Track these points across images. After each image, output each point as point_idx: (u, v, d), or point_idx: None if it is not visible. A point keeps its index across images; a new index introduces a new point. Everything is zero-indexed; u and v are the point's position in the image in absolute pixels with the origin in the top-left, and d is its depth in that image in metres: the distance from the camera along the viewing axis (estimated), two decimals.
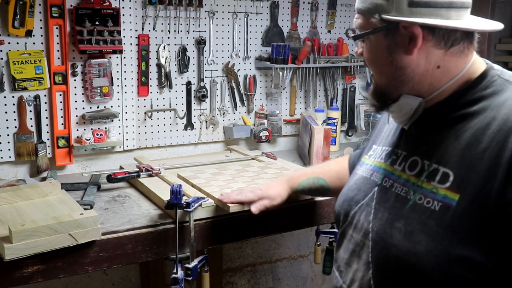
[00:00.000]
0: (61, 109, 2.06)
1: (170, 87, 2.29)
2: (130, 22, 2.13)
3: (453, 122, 1.00)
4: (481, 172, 0.90)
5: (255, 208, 1.44)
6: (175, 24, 2.25)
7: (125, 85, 2.17)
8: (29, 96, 1.99)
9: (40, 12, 1.96)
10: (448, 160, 0.96)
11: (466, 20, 1.04)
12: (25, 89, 1.96)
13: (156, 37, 2.22)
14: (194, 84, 2.35)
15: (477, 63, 1.05)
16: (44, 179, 1.96)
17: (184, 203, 1.48)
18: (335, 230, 1.86)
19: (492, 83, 1.01)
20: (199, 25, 2.31)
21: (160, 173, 1.88)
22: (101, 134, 2.12)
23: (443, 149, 0.98)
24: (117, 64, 2.13)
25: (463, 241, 0.90)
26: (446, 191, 0.93)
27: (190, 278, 1.49)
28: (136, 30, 2.17)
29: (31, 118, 2.01)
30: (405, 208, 0.99)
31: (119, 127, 2.18)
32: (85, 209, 1.52)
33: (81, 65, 2.06)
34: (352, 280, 1.10)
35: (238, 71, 2.45)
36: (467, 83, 1.02)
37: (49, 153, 2.06)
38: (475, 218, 0.89)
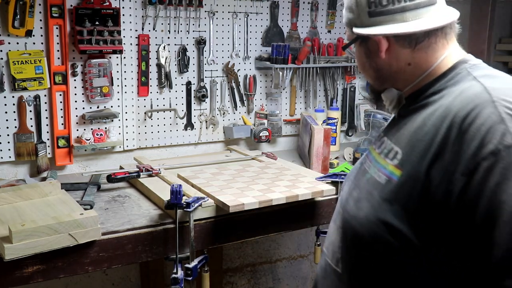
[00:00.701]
0: (61, 109, 2.06)
1: (170, 87, 2.29)
2: (130, 22, 2.13)
3: (416, 109, 1.11)
4: (419, 153, 1.00)
5: None
6: (175, 24, 2.25)
7: (125, 85, 2.17)
8: (29, 96, 1.99)
9: (40, 12, 1.96)
10: (401, 141, 1.08)
11: (423, 19, 1.11)
12: (25, 89, 1.97)
13: (156, 37, 2.22)
14: (194, 84, 2.35)
15: (452, 57, 1.13)
16: (44, 179, 1.97)
17: (184, 203, 1.49)
18: None
19: (456, 76, 1.09)
20: (199, 25, 2.31)
21: (160, 173, 1.88)
22: (101, 134, 2.12)
23: (401, 132, 1.11)
24: (117, 64, 2.13)
25: (397, 214, 1.01)
26: (393, 167, 1.06)
27: (190, 278, 1.49)
28: (136, 30, 2.17)
29: (31, 118, 2.01)
30: (363, 179, 1.15)
31: (119, 127, 2.18)
32: (85, 209, 1.52)
33: (81, 65, 2.06)
34: (327, 245, 1.25)
35: (238, 71, 2.45)
36: (438, 75, 1.12)
37: (49, 153, 2.06)
38: (408, 195, 1.00)
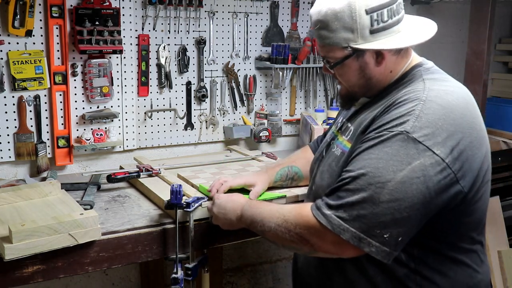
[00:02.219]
0: (61, 109, 2.06)
1: (170, 87, 2.29)
2: (130, 22, 2.13)
3: (377, 102, 1.28)
4: (363, 128, 1.23)
5: (253, 196, 1.60)
6: (175, 24, 2.25)
7: (125, 85, 2.17)
8: (29, 96, 1.99)
9: (40, 12, 1.96)
10: (355, 121, 1.30)
11: (412, 28, 1.27)
12: (25, 89, 1.97)
13: (156, 37, 2.22)
14: (194, 84, 2.35)
15: (413, 61, 1.30)
16: (44, 179, 1.97)
17: (184, 203, 1.49)
18: None
19: (412, 77, 1.25)
20: (199, 25, 2.31)
21: (160, 173, 1.88)
22: (101, 134, 2.12)
23: (361, 117, 1.29)
24: (117, 64, 2.13)
25: None
26: (346, 141, 1.29)
27: (190, 278, 1.50)
28: (136, 30, 2.17)
29: (31, 118, 2.01)
30: (327, 155, 1.36)
31: (119, 127, 2.18)
32: (85, 209, 1.52)
33: (81, 65, 2.06)
34: None
35: (238, 71, 2.45)
36: (398, 75, 1.29)
37: (49, 153, 2.06)
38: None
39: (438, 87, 1.18)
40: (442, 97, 1.15)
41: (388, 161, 1.09)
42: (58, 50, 2.01)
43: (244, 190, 1.61)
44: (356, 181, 1.11)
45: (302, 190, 1.69)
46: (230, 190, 1.59)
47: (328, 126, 2.34)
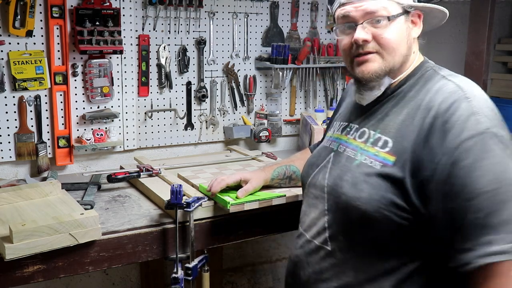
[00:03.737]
0: (62, 109, 2.06)
1: (170, 87, 2.29)
2: (131, 23, 2.13)
3: (396, 102, 1.24)
4: (410, 141, 1.14)
5: (241, 194, 1.58)
6: (175, 24, 2.26)
7: (126, 85, 2.17)
8: (30, 96, 1.99)
9: (40, 13, 1.96)
10: (389, 131, 1.20)
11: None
12: (25, 89, 1.97)
13: (156, 37, 2.22)
14: (194, 84, 2.35)
15: (420, 57, 1.30)
16: (44, 179, 1.97)
17: (184, 203, 1.49)
18: None
19: (425, 73, 1.25)
20: (199, 25, 2.31)
21: (160, 173, 1.88)
22: (101, 134, 2.12)
23: (386, 123, 1.23)
24: (118, 64, 2.14)
25: (395, 191, 1.13)
26: (385, 154, 1.18)
27: (190, 278, 1.50)
28: (136, 31, 2.17)
29: (31, 118, 2.01)
30: (352, 165, 1.23)
31: (120, 127, 2.19)
32: (86, 209, 1.52)
33: (82, 65, 2.07)
34: (309, 225, 1.32)
35: (238, 71, 2.45)
36: (410, 70, 1.27)
37: (49, 153, 2.06)
38: (403, 174, 1.13)
39: (465, 84, 1.17)
40: (479, 91, 1.16)
41: (501, 163, 1.04)
42: (58, 50, 2.01)
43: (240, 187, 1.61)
44: (495, 198, 1.01)
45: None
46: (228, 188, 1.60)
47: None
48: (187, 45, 2.30)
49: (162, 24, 2.23)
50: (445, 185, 1.07)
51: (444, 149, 1.08)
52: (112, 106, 2.15)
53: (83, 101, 2.10)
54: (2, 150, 1.98)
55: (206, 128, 2.42)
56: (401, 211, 1.13)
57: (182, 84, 2.32)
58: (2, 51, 1.92)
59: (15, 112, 1.98)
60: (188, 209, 1.49)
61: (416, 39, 1.28)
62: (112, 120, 2.15)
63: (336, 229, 1.24)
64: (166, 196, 1.57)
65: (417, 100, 1.20)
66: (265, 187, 1.67)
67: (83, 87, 2.09)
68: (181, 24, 2.26)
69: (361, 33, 1.22)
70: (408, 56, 1.25)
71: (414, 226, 1.13)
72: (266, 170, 1.69)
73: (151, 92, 2.25)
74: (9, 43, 1.93)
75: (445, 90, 1.16)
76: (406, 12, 1.23)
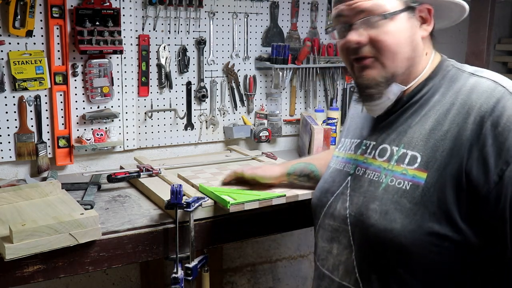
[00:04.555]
0: (62, 109, 2.06)
1: (170, 87, 2.29)
2: (131, 23, 2.13)
3: (417, 110, 1.09)
4: (445, 151, 0.99)
5: (248, 172, 1.60)
6: (175, 24, 2.26)
7: (126, 85, 2.17)
8: (30, 96, 1.99)
9: (40, 13, 1.96)
10: (416, 144, 1.05)
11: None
12: (25, 89, 1.97)
13: (156, 37, 2.22)
14: (194, 84, 2.35)
15: (437, 56, 1.15)
16: (44, 179, 1.97)
17: (184, 203, 1.49)
18: None
19: (448, 73, 1.10)
20: (199, 25, 2.31)
21: (160, 173, 1.88)
22: (101, 134, 2.12)
23: (410, 135, 1.07)
24: (118, 64, 2.14)
25: (434, 215, 0.98)
26: (415, 171, 1.02)
27: (190, 278, 1.50)
28: (136, 31, 2.17)
29: (31, 118, 2.01)
30: (379, 190, 1.07)
31: (120, 127, 2.19)
32: (86, 209, 1.52)
33: (82, 65, 2.07)
34: (335, 265, 1.15)
35: (238, 71, 2.45)
36: (428, 72, 1.12)
37: (49, 153, 2.06)
38: (442, 192, 0.97)
39: (499, 77, 1.05)
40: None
41: None
42: (58, 50, 2.01)
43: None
44: None
45: (302, 191, 1.68)
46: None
47: (328, 126, 2.36)
48: (187, 45, 2.30)
49: (162, 24, 2.23)
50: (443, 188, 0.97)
51: (505, 156, 0.93)
52: (112, 106, 2.15)
53: (83, 101, 2.10)
54: (2, 150, 1.98)
55: (206, 128, 2.42)
56: (442, 241, 0.98)
57: (182, 84, 2.32)
58: (2, 51, 1.92)
59: (15, 112, 1.98)
60: (188, 209, 1.49)
61: (428, 37, 1.12)
62: (112, 120, 2.15)
63: (367, 267, 1.08)
64: (166, 196, 1.57)
65: (445, 103, 1.05)
66: (285, 185, 1.67)
67: (83, 87, 2.09)
68: (181, 24, 2.26)
69: (353, 35, 1.07)
70: (416, 58, 1.10)
71: (463, 253, 0.99)
72: (284, 164, 1.64)
73: (151, 92, 2.25)
74: (9, 43, 1.93)
75: (482, 88, 1.01)
76: (409, 7, 1.07)
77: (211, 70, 2.39)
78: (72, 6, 1.99)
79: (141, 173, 1.86)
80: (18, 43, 1.94)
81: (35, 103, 2.01)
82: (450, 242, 0.98)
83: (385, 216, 1.02)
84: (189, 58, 2.31)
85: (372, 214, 1.05)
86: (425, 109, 1.08)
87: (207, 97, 2.39)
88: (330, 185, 1.22)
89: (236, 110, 2.48)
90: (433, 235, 0.98)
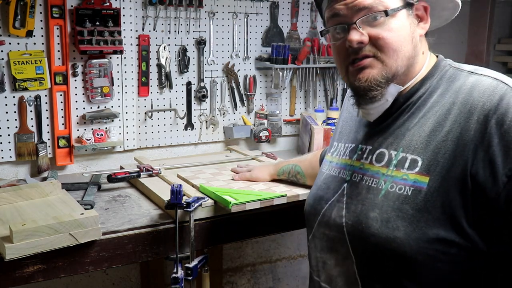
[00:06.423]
0: (62, 109, 2.06)
1: (170, 87, 2.29)
2: (131, 23, 2.13)
3: (415, 112, 1.05)
4: (447, 153, 0.95)
5: (237, 177, 1.77)
6: (175, 24, 2.26)
7: (126, 85, 2.17)
8: (30, 96, 1.99)
9: (40, 13, 1.96)
10: (415, 148, 1.00)
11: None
12: (25, 89, 1.97)
13: (156, 38, 2.22)
14: (194, 84, 2.35)
15: (433, 56, 1.13)
16: (44, 179, 1.97)
17: (184, 203, 1.49)
18: None
19: (445, 73, 1.07)
20: (199, 25, 2.31)
21: (160, 173, 1.89)
22: (101, 134, 2.12)
23: (409, 138, 1.03)
24: (118, 64, 2.14)
25: (438, 221, 0.94)
26: (416, 175, 0.98)
27: (190, 278, 1.50)
28: (136, 31, 2.17)
29: (31, 118, 2.01)
30: (378, 197, 1.02)
31: (120, 127, 2.19)
32: (86, 209, 1.52)
33: (82, 65, 2.07)
34: (333, 276, 1.10)
35: (238, 71, 2.45)
36: (424, 72, 1.09)
37: (49, 153, 2.06)
38: (446, 197, 0.93)
39: (499, 75, 1.02)
40: None
41: None
42: (58, 51, 2.01)
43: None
44: None
45: (303, 190, 1.69)
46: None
47: (328, 126, 2.36)
48: (187, 45, 2.30)
49: (162, 24, 2.23)
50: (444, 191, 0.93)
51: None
52: (112, 106, 2.15)
53: (83, 101, 2.10)
54: (2, 150, 1.98)
55: (206, 128, 2.42)
56: (449, 247, 0.94)
57: (182, 84, 2.32)
58: (2, 51, 1.92)
59: (15, 112, 1.98)
60: (188, 209, 1.49)
61: (423, 37, 1.09)
62: (112, 120, 2.15)
63: (371, 279, 1.03)
64: (166, 196, 1.57)
65: (444, 104, 1.01)
66: (276, 181, 1.78)
67: (83, 87, 2.09)
68: (181, 24, 2.26)
69: (355, 34, 1.02)
70: (415, 58, 1.06)
71: (470, 260, 0.95)
72: (274, 166, 1.79)
73: (151, 92, 2.25)
74: (9, 43, 1.93)
75: (483, 86, 0.98)
76: (408, 4, 1.04)
77: (211, 70, 2.39)
78: (72, 6, 1.99)
79: (141, 173, 1.87)
80: (18, 43, 1.94)
81: (35, 103, 2.01)
82: (457, 248, 0.94)
83: (386, 224, 0.98)
84: (189, 58, 2.31)
85: (372, 223, 1.00)
86: (423, 111, 1.04)
87: (207, 97, 2.39)
88: (324, 192, 1.17)
89: (236, 110, 2.48)
90: (439, 242, 0.94)
